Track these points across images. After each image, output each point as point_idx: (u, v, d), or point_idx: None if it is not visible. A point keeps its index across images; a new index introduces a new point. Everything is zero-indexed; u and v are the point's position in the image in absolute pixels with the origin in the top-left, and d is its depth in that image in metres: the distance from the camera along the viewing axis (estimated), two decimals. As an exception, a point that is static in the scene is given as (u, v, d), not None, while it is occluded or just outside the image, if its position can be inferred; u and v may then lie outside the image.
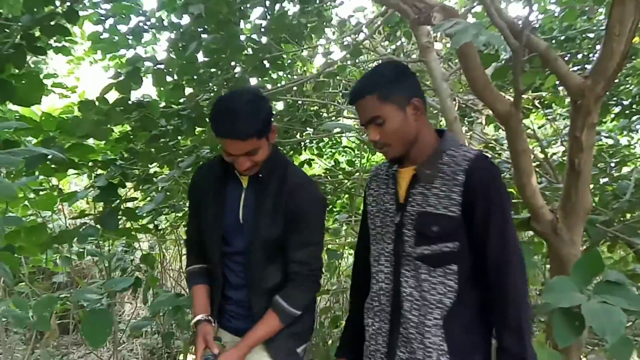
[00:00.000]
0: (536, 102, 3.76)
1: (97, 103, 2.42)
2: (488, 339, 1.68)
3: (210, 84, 3.00)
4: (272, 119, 1.94)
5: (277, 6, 3.34)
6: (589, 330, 2.30)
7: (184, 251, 4.78)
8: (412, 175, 1.66)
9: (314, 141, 5.03)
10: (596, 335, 4.84)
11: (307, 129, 4.58)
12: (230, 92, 1.96)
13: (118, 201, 2.83)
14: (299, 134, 4.52)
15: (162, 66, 2.62)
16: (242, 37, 3.14)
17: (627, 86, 3.87)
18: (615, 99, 4.22)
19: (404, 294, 1.64)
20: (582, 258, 2.19)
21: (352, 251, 5.28)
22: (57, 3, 2.34)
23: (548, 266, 2.81)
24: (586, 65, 4.27)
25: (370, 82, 1.61)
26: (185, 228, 2.40)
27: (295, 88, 4.03)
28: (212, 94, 2.96)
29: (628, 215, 3.28)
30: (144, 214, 3.26)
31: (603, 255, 3.52)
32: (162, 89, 2.98)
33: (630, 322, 2.46)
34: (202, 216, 2.09)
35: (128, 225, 3.67)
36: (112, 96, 2.65)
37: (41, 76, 4.45)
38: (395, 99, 1.59)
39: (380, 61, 4.57)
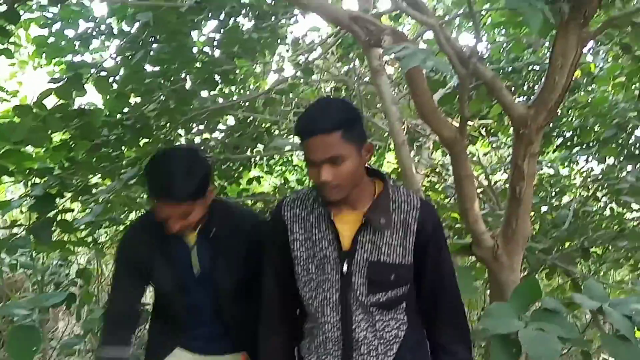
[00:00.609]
0: (482, 130, 3.85)
1: (34, 108, 2.31)
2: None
3: (158, 94, 2.92)
4: (210, 179, 1.85)
5: (231, 20, 3.32)
6: (525, 357, 2.33)
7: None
8: (361, 222, 1.60)
9: (265, 158, 4.98)
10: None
11: (258, 145, 4.53)
12: (165, 150, 1.87)
13: (53, 212, 2.70)
14: (249, 150, 4.46)
15: (105, 73, 2.54)
16: (194, 50, 3.10)
17: (569, 118, 4.01)
18: (557, 130, 4.37)
19: (359, 338, 1.62)
20: (521, 285, 2.22)
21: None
22: (-2, 3, 2.24)
23: (488, 291, 2.86)
24: (531, 97, 4.40)
25: (335, 117, 1.49)
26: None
27: (247, 104, 4.00)
28: (158, 105, 2.88)
29: (567, 244, 3.38)
30: (81, 226, 3.13)
31: (541, 283, 3.62)
32: (107, 97, 2.89)
33: (565, 349, 2.50)
34: (153, 279, 2.02)
35: (65, 237, 3.51)
36: (54, 100, 2.54)
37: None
38: (356, 139, 1.52)
39: (332, 82, 4.61)
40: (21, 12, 2.95)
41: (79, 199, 3.07)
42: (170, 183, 1.70)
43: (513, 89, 4.10)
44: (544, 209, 3.55)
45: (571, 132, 4.28)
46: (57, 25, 3.36)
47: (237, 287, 2.00)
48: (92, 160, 2.84)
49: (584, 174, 3.89)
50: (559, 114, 4.05)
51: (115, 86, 2.79)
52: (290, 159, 5.77)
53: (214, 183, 1.89)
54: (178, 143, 3.90)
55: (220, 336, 2.05)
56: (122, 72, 2.75)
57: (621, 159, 3.56)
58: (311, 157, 1.52)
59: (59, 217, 2.82)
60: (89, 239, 3.80)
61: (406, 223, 1.59)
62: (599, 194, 3.81)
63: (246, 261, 1.98)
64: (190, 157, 1.79)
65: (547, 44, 3.68)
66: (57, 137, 3.24)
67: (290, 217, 1.69)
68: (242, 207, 2.17)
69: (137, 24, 2.83)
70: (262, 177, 5.01)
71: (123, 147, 2.96)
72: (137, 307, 2.08)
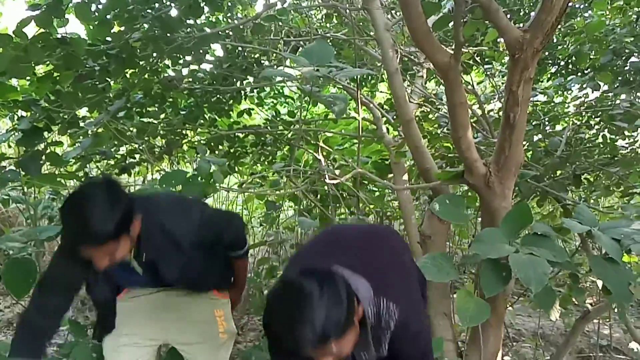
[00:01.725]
0: (476, 57, 3.78)
1: (14, 38, 2.22)
2: None
3: (142, 22, 2.82)
4: (132, 216, 1.78)
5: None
6: (515, 281, 2.39)
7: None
8: None
9: (255, 90, 4.89)
10: (522, 286, 5.07)
11: (248, 77, 4.44)
12: (80, 190, 1.75)
13: (42, 145, 2.66)
14: (238, 82, 4.38)
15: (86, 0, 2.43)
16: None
17: (565, 45, 3.94)
18: (552, 57, 4.30)
19: None
20: (512, 211, 2.24)
21: (290, 203, 5.31)
22: None
23: (479, 220, 2.89)
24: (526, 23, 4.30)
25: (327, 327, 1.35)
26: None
27: (235, 33, 3.88)
28: (142, 33, 2.78)
29: (559, 173, 3.39)
30: (71, 160, 3.10)
31: (532, 210, 3.66)
32: (89, 26, 2.78)
33: (554, 273, 2.55)
34: (89, 287, 2.11)
35: (56, 171, 3.48)
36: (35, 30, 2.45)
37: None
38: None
39: (323, 9, 4.45)
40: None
41: (67, 132, 3.02)
42: (87, 227, 1.63)
43: (509, 15, 4.00)
44: (536, 137, 3.53)
45: (566, 59, 4.22)
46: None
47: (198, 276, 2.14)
48: (77, 92, 2.77)
49: (578, 102, 3.85)
50: (554, 40, 3.98)
51: (97, 15, 2.68)
52: (281, 90, 5.68)
53: (135, 216, 1.81)
54: (165, 75, 3.81)
55: None
56: (104, -1, 2.64)
57: (616, 85, 3.52)
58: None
59: (48, 151, 2.79)
60: (80, 173, 3.78)
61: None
62: (592, 122, 3.80)
63: (196, 263, 2.07)
64: (107, 195, 1.70)
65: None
66: (41, 70, 3.16)
67: None
68: (175, 208, 2.06)
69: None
70: (253, 109, 4.94)
71: (109, 79, 2.88)
72: (57, 320, 2.02)
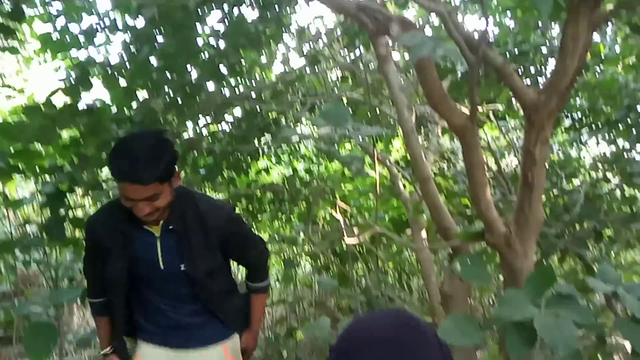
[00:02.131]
0: (490, 114, 3.82)
1: (43, 108, 2.31)
2: None
3: (165, 88, 2.92)
4: (176, 163, 1.87)
5: (236, 11, 3.30)
6: (540, 343, 2.34)
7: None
8: None
9: (272, 148, 4.97)
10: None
11: (265, 135, 4.52)
12: (131, 134, 1.89)
13: (65, 209, 2.71)
14: (257, 140, 4.45)
15: (112, 70, 2.53)
16: (199, 42, 3.08)
17: (578, 100, 3.97)
18: (566, 112, 4.33)
19: None
20: (535, 271, 2.21)
21: (309, 259, 5.29)
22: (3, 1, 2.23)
23: (500, 276, 2.85)
24: (538, 78, 4.37)
25: None
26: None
27: (253, 94, 3.98)
28: (166, 99, 2.88)
29: (578, 227, 3.36)
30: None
31: (553, 266, 3.61)
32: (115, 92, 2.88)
33: (581, 334, 2.50)
34: (106, 265, 2.03)
35: (77, 233, 3.53)
36: (62, 98, 2.54)
37: (-14, 77, 4.28)
38: None
39: (339, 70, 4.57)
40: (25, 9, 2.94)
41: (89, 193, 3.08)
42: (137, 165, 1.71)
43: (521, 71, 4.06)
44: (554, 192, 3.52)
45: (580, 113, 4.24)
46: (61, 21, 3.34)
47: (207, 275, 2.05)
48: (101, 156, 2.84)
49: (594, 156, 3.86)
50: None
51: (122, 81, 2.78)
52: (298, 148, 5.75)
53: (177, 169, 1.91)
54: (185, 136, 3.90)
55: (197, 324, 2.13)
56: (128, 66, 2.74)
57: (632, 140, 3.53)
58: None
59: (70, 214, 2.84)
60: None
61: None
62: (609, 175, 3.78)
63: (214, 251, 2.04)
64: (156, 141, 1.81)
65: (554, 25, 3.64)
66: (65, 134, 3.25)
67: None
68: (210, 198, 2.18)
69: (141, 18, 2.81)
70: (271, 167, 5.00)
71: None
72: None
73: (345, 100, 4.01)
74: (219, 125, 4.06)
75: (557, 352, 1.85)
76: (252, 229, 2.47)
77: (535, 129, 2.14)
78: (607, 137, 3.63)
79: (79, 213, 3.06)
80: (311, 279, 5.39)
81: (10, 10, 2.21)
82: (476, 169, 2.32)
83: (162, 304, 2.09)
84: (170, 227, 1.95)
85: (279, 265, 5.28)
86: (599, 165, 3.83)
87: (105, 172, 3.32)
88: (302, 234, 4.30)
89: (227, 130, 4.27)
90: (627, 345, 2.34)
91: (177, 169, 1.87)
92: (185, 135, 3.86)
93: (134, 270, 2.02)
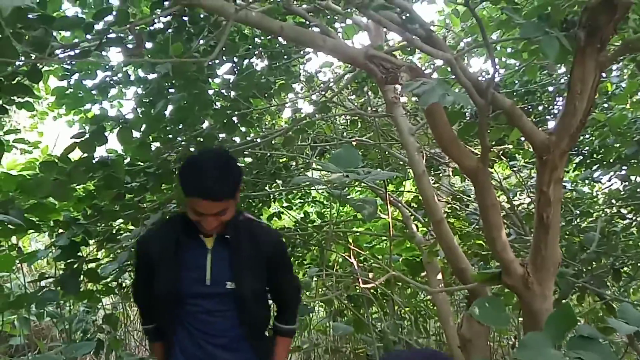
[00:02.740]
0: (500, 154, 3.83)
1: (58, 163, 2.35)
2: None
3: (178, 140, 2.96)
4: (241, 181, 2.00)
5: (245, 62, 3.37)
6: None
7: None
8: None
9: (284, 193, 4.99)
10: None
11: (276, 181, 4.54)
12: (200, 152, 2.03)
13: (79, 262, 2.72)
14: (267, 186, 4.48)
15: (127, 124, 2.58)
16: (210, 92, 3.14)
17: (588, 137, 3.98)
18: (576, 149, 4.33)
19: None
20: (555, 313, 2.17)
21: (323, 305, 5.23)
22: (20, 61, 2.30)
23: (519, 318, 2.81)
24: (547, 117, 4.39)
25: None
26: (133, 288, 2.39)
27: (263, 142, 4.03)
28: (179, 150, 2.92)
29: (595, 265, 3.31)
30: (108, 274, 3.14)
31: (572, 305, 3.55)
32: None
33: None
34: (155, 279, 2.06)
35: (90, 286, 3.53)
36: (76, 153, 2.58)
37: (2, 132, 4.35)
38: None
39: (348, 115, 4.62)
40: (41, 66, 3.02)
41: (104, 246, 3.09)
42: (211, 182, 1.83)
43: (529, 109, 4.10)
44: (569, 230, 3.49)
45: (590, 150, 4.25)
46: (75, 76, 3.42)
47: (254, 296, 2.09)
48: (115, 208, 2.86)
49: (608, 193, 3.84)
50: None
51: (136, 134, 2.82)
52: (309, 192, 5.77)
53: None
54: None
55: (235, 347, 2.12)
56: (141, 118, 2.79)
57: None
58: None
59: (85, 267, 2.84)
60: (114, 283, 3.81)
61: None
62: (624, 211, 3.75)
63: (262, 270, 2.10)
64: (225, 158, 1.94)
65: (561, 67, 3.69)
66: (80, 187, 3.29)
67: None
68: (261, 220, 2.37)
69: (154, 73, 2.88)
70: (282, 212, 5.01)
71: (146, 194, 2.98)
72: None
73: (355, 144, 4.04)
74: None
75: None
76: None
77: (547, 170, 2.14)
78: (619, 174, 3.61)
79: (93, 265, 3.05)
80: (326, 325, 5.32)
81: (27, 69, 2.27)
82: (490, 211, 2.31)
83: (199, 333, 2.09)
84: (226, 236, 2.04)
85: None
86: (613, 201, 3.81)
87: (118, 223, 3.34)
88: (315, 279, 4.26)
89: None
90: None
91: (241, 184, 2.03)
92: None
93: (180, 286, 2.04)
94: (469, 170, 2.26)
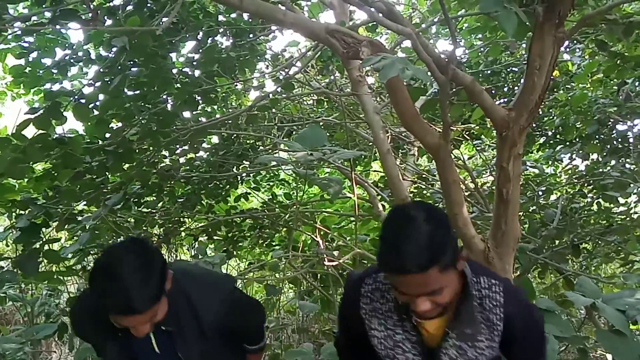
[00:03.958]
0: (465, 133, 3.87)
1: (13, 140, 2.28)
2: None
3: (139, 118, 2.90)
4: (166, 273, 1.67)
5: (209, 40, 3.31)
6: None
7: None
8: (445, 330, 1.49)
9: (251, 175, 4.96)
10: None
11: (243, 162, 4.51)
12: (112, 258, 1.58)
13: (39, 243, 2.66)
14: (235, 167, 4.44)
15: (84, 100, 2.51)
16: (174, 71, 3.08)
17: (551, 117, 4.04)
18: (539, 129, 4.40)
19: None
20: (514, 286, 2.22)
21: (291, 285, 5.23)
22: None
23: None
24: (512, 98, 4.44)
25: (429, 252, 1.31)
26: None
27: (230, 121, 3.99)
28: (140, 128, 2.85)
29: (557, 242, 3.38)
30: (69, 255, 3.09)
31: (534, 281, 3.63)
32: (87, 124, 2.85)
33: (563, 347, 2.50)
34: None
35: (53, 267, 3.47)
36: (34, 131, 2.50)
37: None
38: (451, 264, 1.36)
39: (314, 95, 4.59)
40: (-4, 44, 2.93)
41: (65, 227, 3.03)
42: (130, 297, 1.51)
43: (493, 91, 4.14)
44: (532, 209, 3.56)
45: (553, 130, 4.32)
46: (33, 55, 3.32)
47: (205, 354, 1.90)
48: (75, 188, 2.80)
49: (569, 172, 3.91)
50: (540, 113, 4.09)
51: (95, 112, 2.75)
52: (277, 173, 5.75)
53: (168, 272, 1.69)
54: (162, 165, 3.87)
55: None
56: (101, 97, 2.72)
57: (604, 154, 3.59)
58: (405, 290, 1.38)
59: (45, 248, 2.78)
60: (78, 267, 3.75)
61: (491, 322, 1.48)
62: (585, 190, 3.83)
63: (212, 333, 1.86)
64: (142, 258, 1.59)
65: (524, 45, 3.72)
66: (39, 167, 3.21)
67: (369, 311, 1.57)
68: (205, 279, 1.95)
69: (115, 49, 2.80)
70: (250, 193, 4.98)
71: (107, 173, 2.91)
72: None
73: (321, 125, 4.03)
74: (195, 153, 4.04)
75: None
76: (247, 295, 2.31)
77: (507, 146, 2.16)
78: (580, 152, 3.68)
79: (55, 246, 3.00)
80: (295, 305, 5.34)
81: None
82: (452, 187, 2.33)
83: None
84: (163, 327, 1.79)
85: (261, 292, 5.22)
86: (575, 180, 3.89)
87: (80, 205, 3.27)
88: (282, 260, 4.26)
89: (204, 158, 4.26)
90: (609, 358, 2.35)
91: (168, 274, 1.68)
92: (162, 165, 3.83)
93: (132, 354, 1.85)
94: (430, 147, 2.28)
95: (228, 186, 4.60)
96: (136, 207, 4.02)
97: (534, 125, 4.31)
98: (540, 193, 3.55)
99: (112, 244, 1.71)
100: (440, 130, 2.26)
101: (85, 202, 3.09)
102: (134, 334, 1.64)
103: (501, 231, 2.32)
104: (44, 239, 2.77)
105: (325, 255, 2.91)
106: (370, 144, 3.69)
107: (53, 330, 2.74)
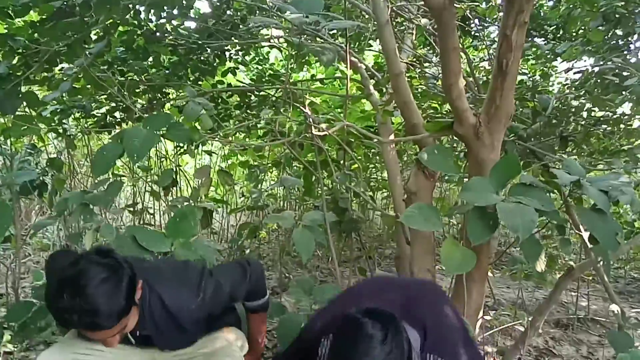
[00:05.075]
0: (470, 13, 3.71)
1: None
2: None
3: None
4: (135, 282, 1.65)
5: None
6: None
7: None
8: None
9: (240, 53, 4.78)
10: (502, 260, 5.07)
11: (233, 37, 4.32)
12: (78, 268, 1.55)
13: (17, 81, 2.54)
14: (224, 40, 4.26)
15: None
16: None
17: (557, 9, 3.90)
18: (539, 29, 4.27)
19: None
20: (500, 161, 2.21)
21: (275, 173, 5.24)
22: None
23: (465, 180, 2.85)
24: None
25: None
26: None
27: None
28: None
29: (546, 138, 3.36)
30: (49, 105, 2.99)
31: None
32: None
33: (542, 226, 2.54)
34: None
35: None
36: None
37: None
38: None
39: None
40: None
41: (44, 72, 2.89)
42: (97, 314, 1.51)
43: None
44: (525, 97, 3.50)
45: (553, 28, 4.20)
46: None
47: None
48: (57, 28, 2.64)
49: (566, 70, 3.83)
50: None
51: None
52: (266, 56, 5.58)
53: (138, 280, 1.69)
54: (148, 27, 3.69)
55: None
56: None
57: (605, 50, 3.50)
58: None
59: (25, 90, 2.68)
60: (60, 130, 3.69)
61: None
62: (579, 94, 3.78)
63: (191, 325, 1.92)
64: (108, 271, 1.56)
65: None
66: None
67: None
68: (180, 279, 1.92)
69: None
70: (238, 68, 4.83)
71: (92, 14, 2.73)
72: None
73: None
74: (183, 20, 3.84)
75: (517, 235, 1.87)
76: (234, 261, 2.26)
77: (513, 11, 2.07)
78: (581, 48, 3.57)
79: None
80: (277, 190, 5.38)
81: None
82: (451, 54, 2.25)
83: None
84: (138, 333, 1.84)
85: (245, 178, 5.21)
86: (569, 82, 3.81)
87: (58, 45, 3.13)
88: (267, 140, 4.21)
89: (192, 28, 4.07)
90: (586, 237, 2.39)
91: (137, 283, 1.70)
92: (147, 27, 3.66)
93: None
94: (434, 8, 2.17)
95: (216, 61, 4.43)
96: (120, 75, 3.89)
97: (534, 24, 4.18)
98: (538, 79, 3.48)
99: (80, 253, 1.66)
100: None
101: (66, 50, 2.91)
102: (104, 345, 1.67)
103: (495, 105, 2.28)
104: (21, 79, 2.64)
105: (312, 123, 2.85)
106: (368, 17, 3.54)
107: (32, 177, 2.70)
